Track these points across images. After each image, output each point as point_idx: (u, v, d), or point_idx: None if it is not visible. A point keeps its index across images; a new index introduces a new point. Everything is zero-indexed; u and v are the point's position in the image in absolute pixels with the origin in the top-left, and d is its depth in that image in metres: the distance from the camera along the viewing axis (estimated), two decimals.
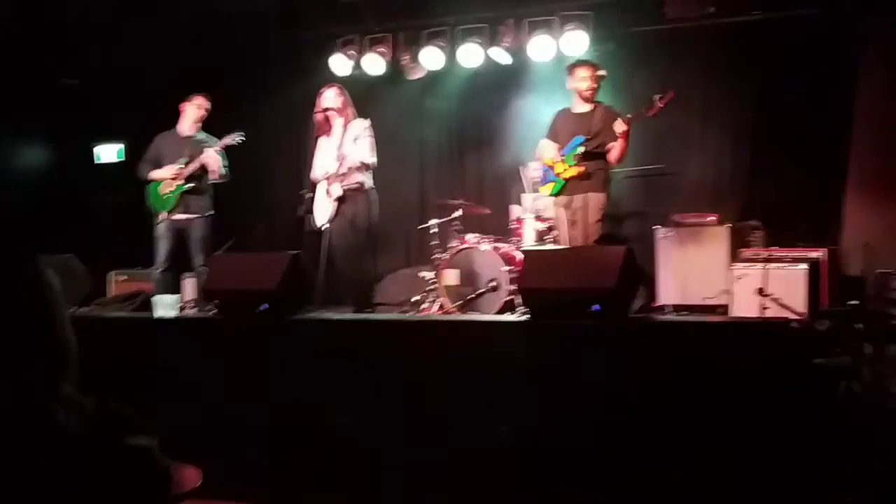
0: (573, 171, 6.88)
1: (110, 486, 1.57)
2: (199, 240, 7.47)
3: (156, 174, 7.53)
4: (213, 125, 7.83)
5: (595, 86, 6.96)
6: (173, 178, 7.45)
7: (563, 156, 6.96)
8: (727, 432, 4.58)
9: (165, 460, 1.70)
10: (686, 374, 4.67)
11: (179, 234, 7.52)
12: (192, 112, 7.64)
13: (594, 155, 6.82)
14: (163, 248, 7.49)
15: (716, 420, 4.56)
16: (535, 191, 8.37)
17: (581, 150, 6.83)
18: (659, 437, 4.72)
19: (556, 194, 7.06)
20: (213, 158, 7.43)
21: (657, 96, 6.62)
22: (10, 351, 1.54)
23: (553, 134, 7.16)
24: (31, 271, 1.62)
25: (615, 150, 6.78)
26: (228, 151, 7.56)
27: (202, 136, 7.66)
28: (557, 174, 6.98)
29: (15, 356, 1.54)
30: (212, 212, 7.61)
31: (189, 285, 7.70)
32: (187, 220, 7.49)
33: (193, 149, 7.52)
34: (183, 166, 7.46)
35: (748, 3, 7.61)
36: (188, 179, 7.46)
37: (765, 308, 6.00)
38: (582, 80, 6.97)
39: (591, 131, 6.85)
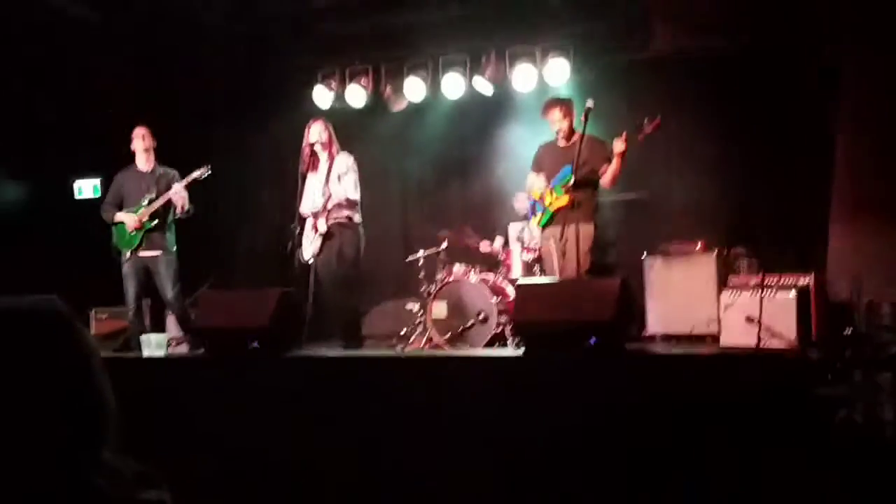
0: (562, 202, 6.87)
1: None
2: (166, 276, 7.31)
3: (119, 216, 7.39)
4: (192, 156, 7.73)
5: (567, 123, 7.02)
6: (140, 219, 7.31)
7: (551, 187, 6.97)
8: (728, 464, 4.56)
9: None
10: (685, 407, 4.65)
11: (146, 272, 7.36)
12: (139, 145, 7.51)
13: (583, 184, 6.82)
14: (131, 289, 7.33)
15: (716, 453, 4.54)
16: (522, 221, 8.38)
17: (571, 179, 6.81)
18: (657, 470, 4.70)
19: (545, 225, 7.06)
20: (179, 195, 7.29)
21: (645, 120, 6.65)
22: (53, 416, 1.49)
23: (537, 166, 7.20)
24: (73, 333, 1.57)
25: (609, 172, 6.78)
26: (203, 184, 7.43)
27: (161, 170, 7.51)
28: (546, 205, 6.99)
29: (57, 422, 1.49)
30: (175, 247, 7.47)
31: (172, 322, 7.61)
32: (152, 256, 7.34)
33: (158, 184, 7.39)
34: (147, 204, 7.33)
35: (736, 33, 7.66)
36: (153, 216, 7.32)
37: (761, 338, 5.96)
38: (555, 121, 7.04)
39: (577, 161, 6.82)
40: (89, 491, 1.48)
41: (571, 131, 7.03)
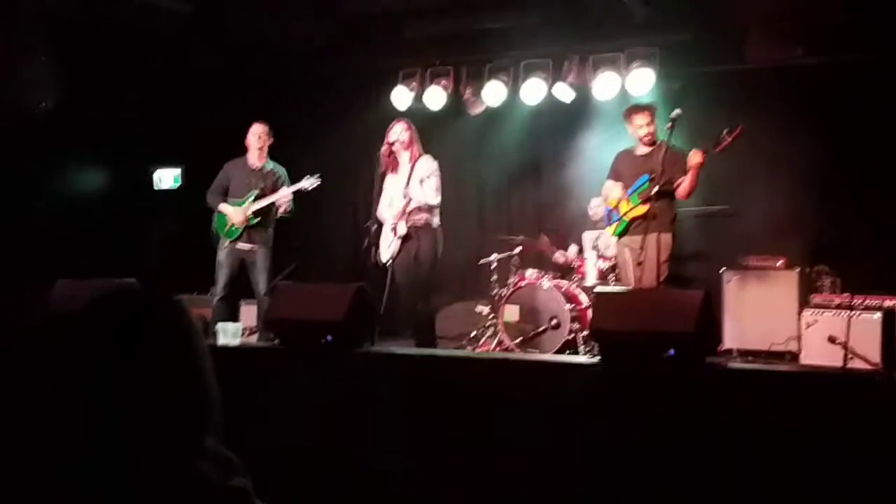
0: (638, 211, 6.76)
1: None
2: (262, 269, 7.48)
3: (223, 208, 7.54)
4: (275, 155, 7.83)
5: (652, 129, 6.85)
6: (245, 215, 7.45)
7: (628, 196, 6.86)
8: (809, 489, 4.43)
9: (259, 502, 1.64)
10: (767, 425, 4.52)
11: (241, 263, 7.53)
12: (254, 142, 7.64)
13: (661, 194, 6.69)
14: (223, 276, 7.50)
15: (797, 476, 4.41)
16: (597, 228, 8.29)
17: (647, 188, 6.69)
18: (735, 490, 4.58)
19: (620, 234, 6.95)
20: (285, 199, 7.48)
21: (725, 131, 6.50)
22: (161, 403, 1.49)
23: (615, 174, 7.06)
24: (182, 320, 1.57)
25: (685, 184, 6.64)
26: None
27: (270, 165, 7.66)
28: (622, 214, 6.87)
29: (164, 409, 1.49)
30: (272, 243, 7.62)
31: (247, 312, 7.71)
32: (250, 249, 7.50)
33: (265, 182, 7.54)
34: (252, 200, 7.47)
35: (832, 45, 7.47)
36: (256, 213, 7.46)
37: (850, 358, 5.80)
38: (639, 126, 6.87)
39: (655, 170, 6.70)
40: (193, 475, 1.48)
41: (653, 139, 6.88)
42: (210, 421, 1.55)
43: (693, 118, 7.79)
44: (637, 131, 6.89)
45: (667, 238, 6.72)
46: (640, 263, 6.64)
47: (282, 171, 7.68)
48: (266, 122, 7.70)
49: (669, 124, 6.50)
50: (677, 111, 6.51)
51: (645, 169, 6.80)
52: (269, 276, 7.49)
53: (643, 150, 6.93)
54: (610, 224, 7.08)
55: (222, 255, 7.52)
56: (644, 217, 6.70)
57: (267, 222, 7.57)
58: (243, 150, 7.72)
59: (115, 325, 1.53)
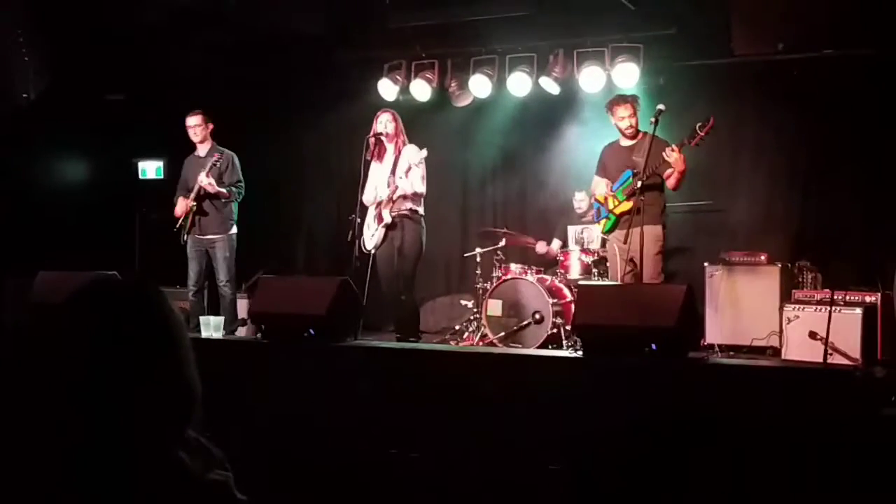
0: (624, 207, 6.72)
1: None
2: (222, 259, 7.50)
3: (178, 203, 7.64)
4: (256, 145, 7.80)
5: (634, 121, 6.81)
6: (187, 204, 7.52)
7: (613, 191, 6.83)
8: (790, 483, 4.46)
9: (239, 495, 1.64)
10: (747, 419, 4.55)
11: (206, 254, 7.58)
12: (192, 136, 7.70)
13: (647, 187, 6.61)
14: (192, 269, 7.60)
15: (778, 470, 4.44)
16: (581, 223, 8.31)
17: (631, 183, 6.66)
18: (714, 480, 4.61)
19: (609, 231, 6.91)
20: (202, 183, 7.41)
21: (698, 125, 6.48)
22: (142, 394, 1.49)
23: (602, 169, 7.02)
24: (164, 311, 1.58)
25: (671, 180, 6.64)
26: (256, 169, 7.53)
27: (215, 153, 7.60)
28: (609, 210, 6.85)
29: (146, 400, 1.49)
30: (234, 230, 7.59)
31: (244, 305, 7.69)
32: (209, 240, 7.55)
33: (205, 170, 7.51)
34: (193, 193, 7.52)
35: (816, 40, 7.49)
36: (198, 200, 7.49)
37: (830, 353, 5.83)
38: (621, 118, 6.82)
39: (638, 164, 6.66)
40: (175, 465, 1.48)
41: (636, 131, 6.85)
42: (192, 412, 1.56)
43: (677, 112, 7.80)
44: (619, 123, 6.85)
45: (655, 230, 6.67)
46: (630, 259, 6.60)
47: (228, 154, 7.64)
48: (199, 111, 7.68)
49: (653, 119, 6.47)
50: (660, 106, 6.50)
51: (628, 161, 6.77)
52: (227, 265, 7.50)
53: (626, 141, 6.89)
54: (599, 220, 7.06)
55: (189, 249, 7.61)
56: (630, 212, 6.65)
57: (221, 209, 7.55)
58: (226, 142, 7.71)
59: (96, 316, 1.53)
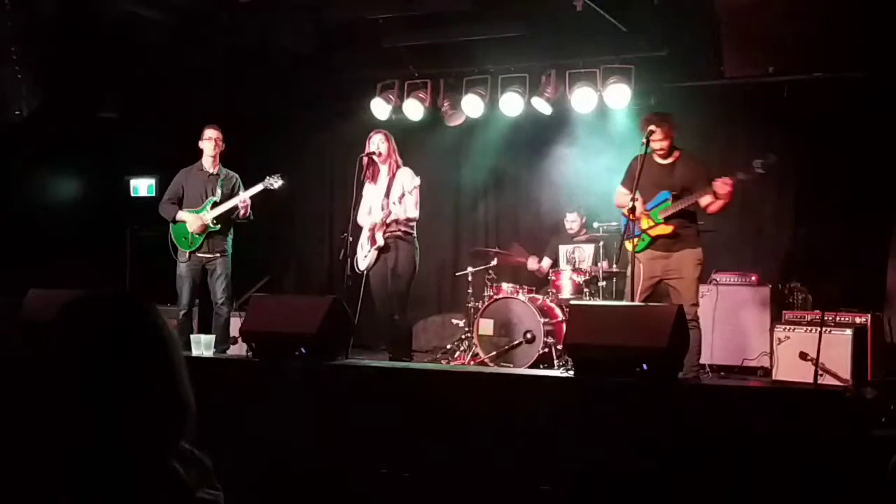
0: (661, 230, 6.39)
1: None
2: (222, 277, 7.36)
3: (182, 216, 7.39)
4: (250, 163, 7.79)
5: (668, 143, 6.40)
6: (204, 221, 7.32)
7: (647, 210, 6.41)
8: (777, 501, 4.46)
9: None
10: (737, 440, 4.55)
11: (203, 273, 7.41)
12: (209, 148, 7.46)
13: (684, 213, 6.38)
14: (186, 290, 7.35)
15: (769, 491, 4.44)
16: (573, 242, 8.33)
17: (669, 206, 6.37)
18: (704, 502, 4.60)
19: (641, 251, 6.41)
20: (244, 201, 7.29)
21: (758, 161, 6.26)
22: (136, 408, 1.50)
23: (629, 180, 6.48)
24: (158, 329, 1.59)
25: (714, 206, 6.31)
26: (248, 187, 7.44)
27: (225, 172, 7.51)
28: (643, 230, 6.42)
29: (140, 414, 1.50)
30: (230, 250, 7.49)
31: (237, 323, 7.63)
32: (210, 258, 7.38)
33: (223, 188, 7.41)
34: (210, 207, 7.34)
35: (806, 63, 7.55)
36: (216, 219, 7.33)
37: (821, 375, 5.85)
38: (656, 140, 6.33)
39: (678, 186, 6.39)
40: (166, 474, 1.49)
41: (671, 149, 6.47)
42: (186, 425, 1.57)
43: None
44: (654, 144, 6.37)
45: (696, 253, 6.41)
46: (673, 285, 6.38)
47: (235, 175, 7.56)
48: (218, 127, 7.54)
49: (644, 140, 6.37)
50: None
51: (665, 182, 6.44)
52: (226, 284, 7.37)
53: (661, 159, 6.49)
54: (627, 236, 6.50)
55: (183, 268, 7.37)
56: (669, 236, 6.39)
57: (226, 230, 7.44)
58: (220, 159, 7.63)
59: (89, 330, 1.54)
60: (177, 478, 1.51)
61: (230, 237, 7.49)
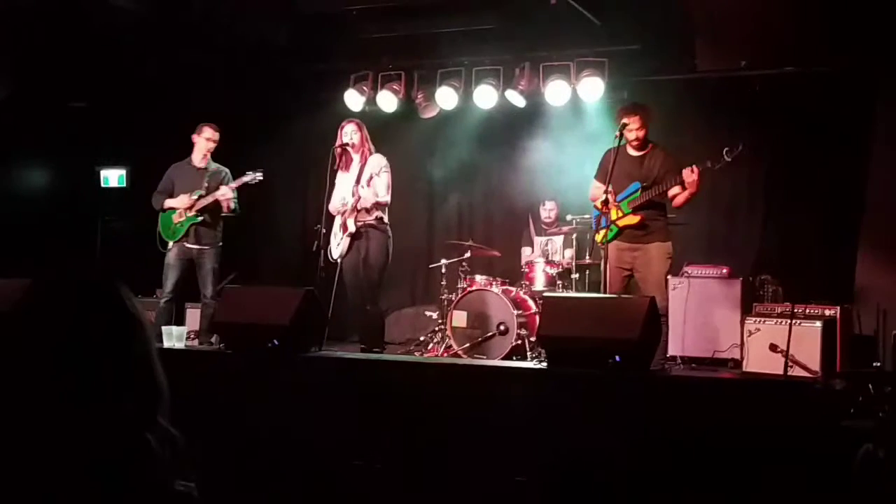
0: (629, 220, 6.41)
1: None
2: (210, 271, 7.40)
3: (170, 202, 7.47)
4: (223, 154, 7.76)
5: (643, 133, 6.44)
6: (186, 209, 7.39)
7: (618, 202, 6.45)
8: (746, 491, 4.50)
9: None
10: (708, 431, 4.59)
11: (190, 264, 7.44)
12: (202, 144, 7.57)
13: (653, 204, 6.41)
14: (171, 278, 7.39)
15: (739, 481, 4.48)
16: (547, 234, 8.36)
17: (639, 196, 6.40)
18: (673, 494, 4.64)
19: (609, 241, 6.45)
20: (226, 196, 7.40)
21: (725, 150, 6.25)
22: (111, 387, 1.51)
23: (602, 174, 6.56)
24: (129, 311, 1.60)
25: (680, 198, 6.34)
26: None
27: (214, 166, 7.59)
28: (612, 221, 6.44)
29: (115, 393, 1.51)
30: (221, 243, 7.53)
31: (192, 316, 7.62)
32: (199, 250, 7.42)
33: (209, 181, 7.46)
34: (197, 198, 7.39)
35: (777, 57, 7.61)
36: (200, 212, 7.39)
37: (790, 366, 5.90)
38: (630, 130, 6.40)
39: (648, 177, 6.41)
40: (142, 443, 1.52)
41: (645, 142, 6.51)
42: (160, 406, 1.59)
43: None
44: (628, 134, 6.44)
45: (665, 247, 6.43)
46: (642, 275, 6.38)
47: (225, 170, 7.62)
48: (216, 127, 7.61)
49: (618, 133, 6.41)
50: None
51: (637, 173, 6.48)
52: (215, 279, 7.41)
53: (635, 151, 6.53)
54: (597, 229, 6.58)
55: (171, 256, 7.43)
56: (637, 227, 6.43)
57: (214, 222, 7.48)
58: (190, 151, 7.63)
59: (60, 312, 1.55)
60: (149, 442, 1.53)
61: (219, 230, 7.54)
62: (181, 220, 7.40)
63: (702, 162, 6.28)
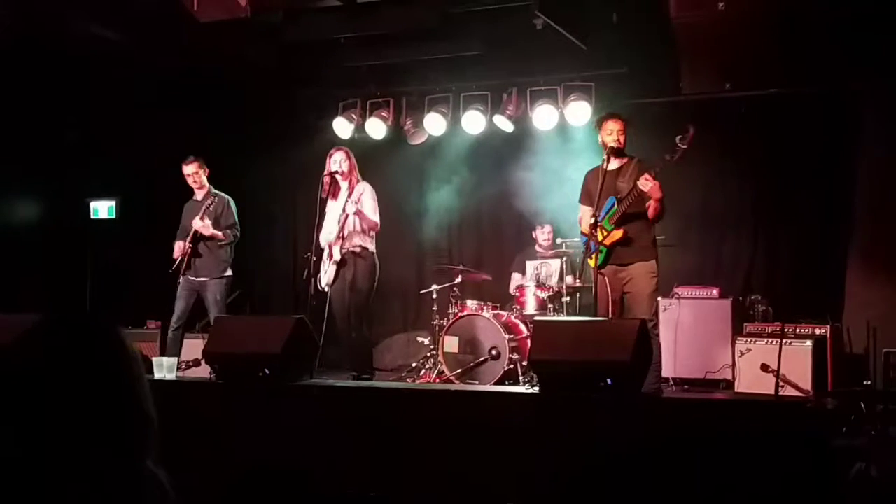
0: (614, 236, 6.20)
1: None
2: (212, 302, 7.51)
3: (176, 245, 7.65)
4: (213, 181, 7.79)
5: (623, 138, 6.30)
6: (182, 246, 7.53)
7: (600, 222, 6.26)
8: None
9: None
10: (700, 452, 4.59)
11: (197, 295, 7.56)
12: (189, 182, 7.69)
13: (634, 216, 6.17)
14: (178, 307, 7.54)
15: (732, 501, 4.48)
16: (538, 258, 8.37)
17: (616, 210, 6.21)
18: None
19: (602, 266, 6.25)
20: (198, 226, 7.46)
21: (678, 137, 6.06)
22: (102, 426, 1.51)
23: (585, 196, 6.51)
24: (120, 347, 1.60)
25: (651, 207, 6.11)
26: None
27: (211, 198, 7.60)
28: (599, 243, 6.24)
29: (105, 432, 1.51)
30: (228, 273, 7.60)
31: (189, 346, 7.64)
32: (200, 282, 7.53)
33: (208, 212, 7.53)
34: (192, 232, 7.52)
35: (763, 79, 7.67)
36: (194, 242, 7.50)
37: (782, 386, 5.92)
38: (609, 132, 6.27)
39: (622, 190, 6.21)
40: (132, 482, 1.52)
41: (622, 149, 6.35)
42: (149, 444, 1.58)
43: (628, 149, 7.91)
44: (606, 138, 6.31)
45: (648, 266, 6.19)
46: (632, 295, 6.18)
47: (223, 198, 7.66)
48: (194, 159, 7.65)
49: (600, 140, 6.34)
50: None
51: (612, 189, 6.30)
52: (219, 308, 7.48)
53: (612, 164, 6.34)
54: (588, 254, 6.39)
55: (179, 288, 7.57)
56: (622, 242, 6.20)
57: (212, 253, 7.54)
58: (182, 182, 7.69)
59: (53, 352, 1.55)
60: (138, 495, 1.52)
61: (222, 261, 7.60)
62: (179, 255, 7.52)
63: (656, 162, 6.11)
